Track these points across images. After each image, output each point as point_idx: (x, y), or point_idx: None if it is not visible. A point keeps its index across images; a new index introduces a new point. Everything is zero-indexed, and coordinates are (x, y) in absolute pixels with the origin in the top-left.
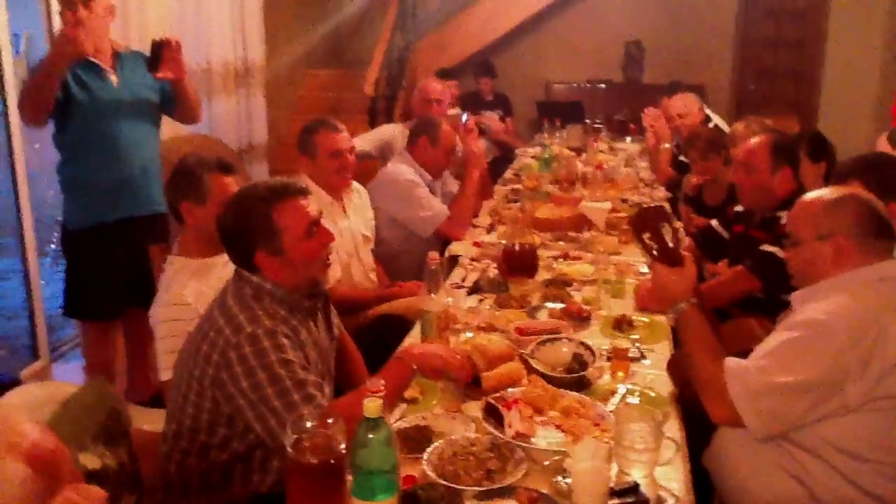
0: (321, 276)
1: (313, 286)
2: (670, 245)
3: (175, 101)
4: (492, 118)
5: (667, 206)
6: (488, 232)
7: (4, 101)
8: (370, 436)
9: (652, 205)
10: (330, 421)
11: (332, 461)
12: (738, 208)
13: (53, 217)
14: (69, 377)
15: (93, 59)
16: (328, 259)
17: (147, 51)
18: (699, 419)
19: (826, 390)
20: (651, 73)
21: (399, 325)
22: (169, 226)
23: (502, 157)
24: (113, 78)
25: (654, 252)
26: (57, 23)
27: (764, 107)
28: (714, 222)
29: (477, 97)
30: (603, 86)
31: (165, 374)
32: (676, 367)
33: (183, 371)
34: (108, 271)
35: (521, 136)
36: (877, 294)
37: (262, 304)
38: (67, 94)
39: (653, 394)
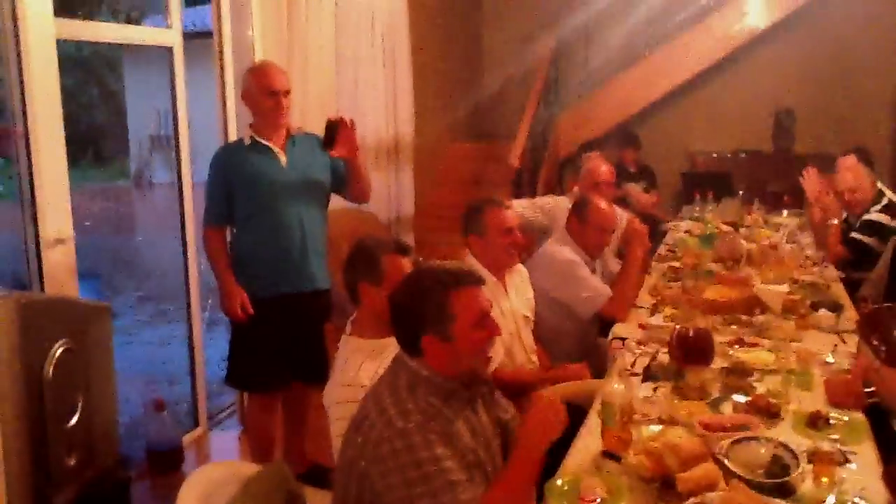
0: (482, 369)
1: (472, 377)
2: None
3: (347, 180)
4: (637, 190)
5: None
6: (652, 313)
7: (180, 175)
8: None
9: (885, 305)
10: None
11: None
12: None
13: (208, 284)
14: (226, 445)
15: (265, 142)
16: (490, 352)
17: (311, 129)
18: None
19: None
20: (802, 142)
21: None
22: (332, 303)
23: (650, 232)
24: (283, 159)
25: (883, 355)
26: (232, 102)
27: None
28: None
29: (620, 169)
30: (744, 155)
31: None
32: (894, 477)
33: (344, 461)
34: (270, 344)
35: (666, 208)
36: None
37: (415, 395)
38: (237, 174)
39: None
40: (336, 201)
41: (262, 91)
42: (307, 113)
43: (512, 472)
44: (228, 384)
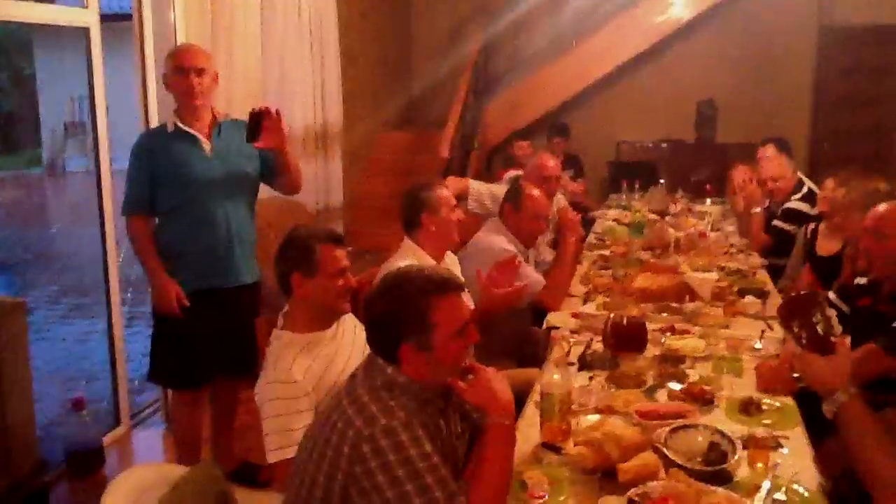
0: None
1: (445, 387)
2: (821, 333)
3: (276, 171)
4: (564, 179)
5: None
6: (585, 302)
7: (98, 164)
8: None
9: (803, 293)
10: None
11: None
12: (861, 280)
13: (128, 277)
14: (149, 444)
15: (188, 129)
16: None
17: (237, 117)
18: None
19: None
20: (724, 132)
21: None
22: (260, 296)
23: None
24: (206, 147)
25: (803, 341)
26: (153, 87)
27: (840, 166)
28: (831, 294)
29: None
30: (667, 145)
31: (273, 456)
32: (828, 459)
33: (308, 461)
34: (194, 339)
35: (593, 197)
36: None
37: (392, 395)
38: (159, 163)
39: (802, 490)
40: (262, 189)
41: (173, 70)
42: (233, 100)
43: (490, 451)
44: (151, 380)
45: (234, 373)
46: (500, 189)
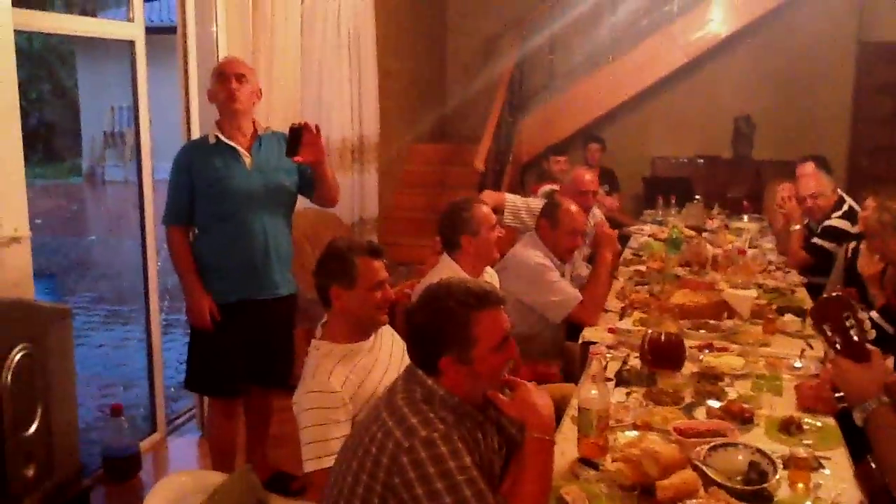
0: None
1: (484, 400)
2: (855, 339)
3: (314, 185)
4: (600, 194)
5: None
6: (621, 317)
7: (140, 174)
8: None
9: (834, 294)
10: None
11: None
12: None
13: (165, 286)
14: (184, 451)
15: (228, 142)
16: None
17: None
18: None
19: None
20: (760, 148)
21: None
22: (296, 307)
23: None
24: (247, 160)
25: (837, 346)
26: (195, 100)
27: (878, 183)
28: (874, 314)
29: None
30: (703, 161)
31: (310, 465)
32: (866, 476)
33: (346, 472)
34: (230, 348)
35: (628, 212)
36: None
37: (432, 407)
38: (200, 175)
39: None
40: (298, 201)
41: (216, 78)
42: (272, 114)
43: (529, 465)
44: (187, 388)
45: (268, 383)
46: (536, 203)
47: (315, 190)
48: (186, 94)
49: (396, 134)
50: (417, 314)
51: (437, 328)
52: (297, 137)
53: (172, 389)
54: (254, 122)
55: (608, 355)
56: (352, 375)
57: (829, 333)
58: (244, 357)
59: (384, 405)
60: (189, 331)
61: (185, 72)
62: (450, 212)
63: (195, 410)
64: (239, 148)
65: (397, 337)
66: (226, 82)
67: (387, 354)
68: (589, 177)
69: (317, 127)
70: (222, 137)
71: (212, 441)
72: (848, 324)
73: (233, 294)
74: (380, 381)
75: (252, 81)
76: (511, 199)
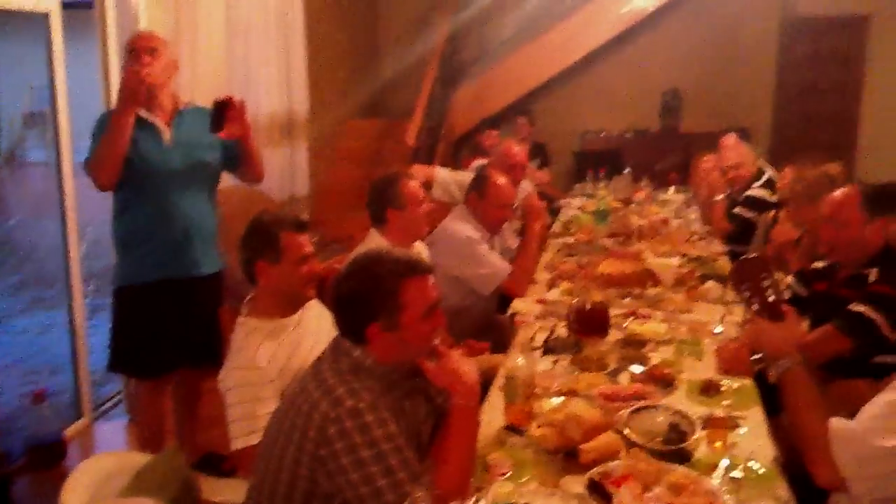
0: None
1: (411, 369)
2: (771, 299)
3: (238, 161)
4: (530, 168)
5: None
6: (549, 288)
7: (59, 153)
8: None
9: (752, 255)
10: None
11: None
12: (819, 265)
13: (90, 268)
14: (112, 436)
15: (146, 116)
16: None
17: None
18: (807, 487)
19: None
20: (688, 121)
21: None
22: (223, 285)
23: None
24: (166, 136)
25: (754, 306)
26: (116, 76)
27: (802, 154)
28: (790, 278)
29: None
30: (632, 134)
31: (238, 443)
32: (779, 431)
33: (273, 446)
34: (155, 329)
35: (558, 186)
36: None
37: (358, 377)
38: None
39: (758, 466)
40: (226, 178)
41: (126, 54)
42: (196, 89)
43: (454, 432)
44: (111, 370)
45: (196, 363)
46: (466, 177)
47: (239, 166)
48: (106, 70)
49: (328, 109)
50: (345, 282)
51: (364, 295)
52: (222, 112)
53: (99, 374)
54: (174, 98)
55: (536, 325)
56: (279, 351)
57: (747, 293)
58: (170, 337)
59: (310, 377)
60: (112, 310)
61: (105, 47)
62: (377, 186)
63: (122, 394)
64: (157, 123)
65: (326, 311)
66: (135, 55)
67: (314, 329)
68: (517, 150)
69: (242, 101)
70: (140, 112)
71: (139, 424)
72: (764, 284)
73: (155, 273)
74: (307, 357)
75: (166, 54)
76: (441, 174)
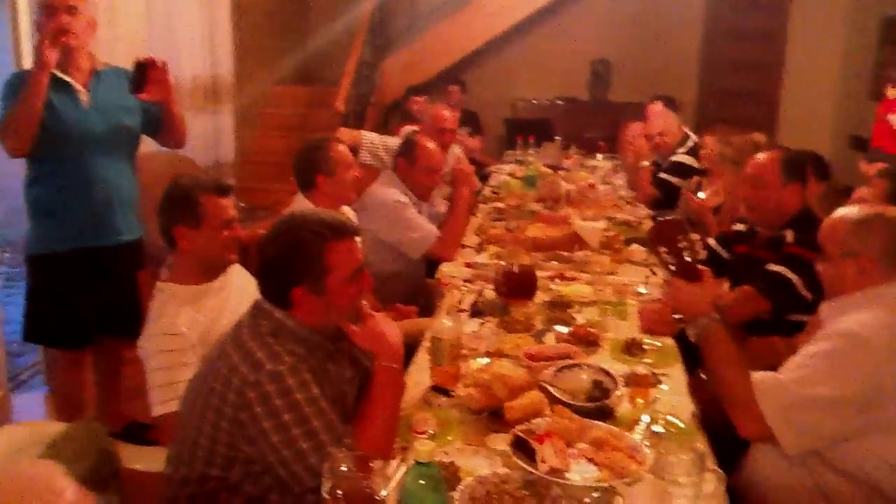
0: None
1: (336, 332)
2: (687, 259)
3: (160, 125)
4: (462, 135)
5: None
6: (478, 252)
7: None
8: (422, 482)
9: (670, 217)
10: (373, 465)
11: None
12: (739, 227)
13: (5, 237)
14: (30, 408)
15: (63, 76)
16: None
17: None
18: (724, 441)
19: (862, 405)
20: (616, 91)
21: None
22: (143, 253)
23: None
24: (83, 98)
25: (672, 267)
26: (25, 34)
27: (724, 125)
28: (711, 241)
29: None
30: (562, 102)
31: (157, 410)
32: (698, 387)
33: (192, 411)
34: (72, 298)
35: (490, 153)
36: None
37: (279, 340)
38: None
39: (677, 421)
40: (148, 144)
41: (42, 11)
42: (115, 51)
43: (378, 393)
44: (27, 340)
45: (116, 333)
46: (394, 141)
47: (161, 130)
48: (16, 30)
49: (255, 75)
50: (270, 245)
51: (290, 258)
52: (143, 73)
53: (16, 345)
54: (91, 58)
55: (464, 288)
56: (200, 317)
57: (665, 255)
58: (88, 306)
59: (229, 341)
60: (28, 278)
61: (14, 5)
62: (304, 150)
63: (41, 366)
64: (74, 84)
65: (249, 276)
66: (55, 15)
67: (237, 295)
68: (447, 114)
69: (164, 62)
70: (56, 72)
71: (58, 395)
72: (681, 245)
73: (73, 241)
74: (230, 323)
75: (85, 12)
76: (368, 137)
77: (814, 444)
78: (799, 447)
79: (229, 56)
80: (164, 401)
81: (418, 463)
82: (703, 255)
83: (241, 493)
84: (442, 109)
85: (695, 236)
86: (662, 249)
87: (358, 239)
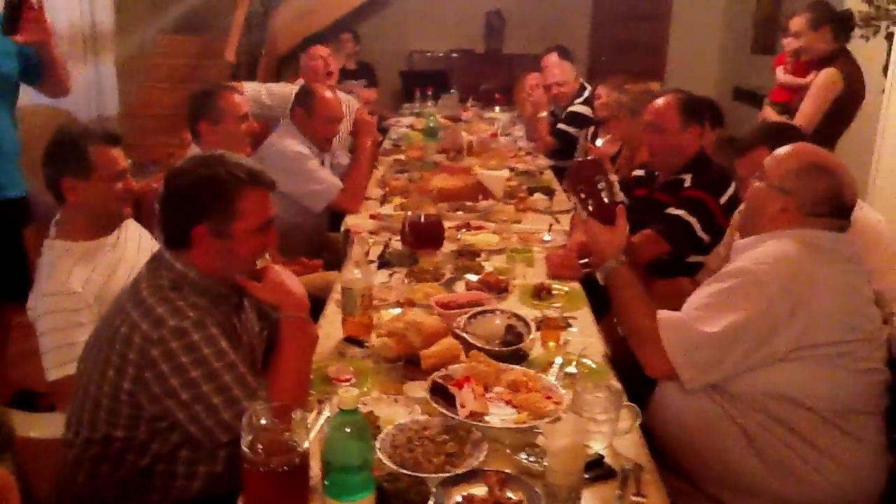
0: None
1: (233, 284)
2: (605, 201)
3: (39, 70)
4: (358, 87)
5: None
6: (382, 204)
7: None
8: (347, 430)
9: (590, 158)
10: (294, 416)
11: (297, 460)
12: (638, 172)
13: None
14: None
15: None
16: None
17: None
18: (633, 380)
19: (757, 338)
20: (511, 43)
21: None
22: (27, 214)
23: None
24: None
25: (590, 208)
26: None
27: (616, 76)
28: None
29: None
30: (457, 55)
31: (53, 374)
32: (609, 329)
33: (91, 372)
34: None
35: (386, 106)
36: (809, 251)
37: (181, 294)
38: None
39: (590, 362)
40: (26, 97)
41: None
42: None
43: (287, 345)
44: None
45: (1, 296)
46: (278, 87)
47: (41, 76)
48: None
49: (138, 23)
50: (180, 177)
51: (199, 192)
52: (17, 13)
53: None
54: None
55: (370, 240)
56: (94, 274)
57: (583, 196)
58: None
59: (128, 298)
60: None
61: None
62: (191, 97)
63: None
64: None
65: (145, 232)
66: None
67: (134, 250)
68: (321, 48)
69: (40, 1)
70: None
71: None
72: (599, 186)
73: None
74: (126, 280)
75: None
76: (249, 86)
77: (712, 378)
78: (698, 383)
79: (108, 3)
80: (59, 364)
81: (342, 410)
82: (621, 196)
83: (148, 451)
84: (318, 48)
85: (613, 177)
86: (580, 190)
87: (271, 193)
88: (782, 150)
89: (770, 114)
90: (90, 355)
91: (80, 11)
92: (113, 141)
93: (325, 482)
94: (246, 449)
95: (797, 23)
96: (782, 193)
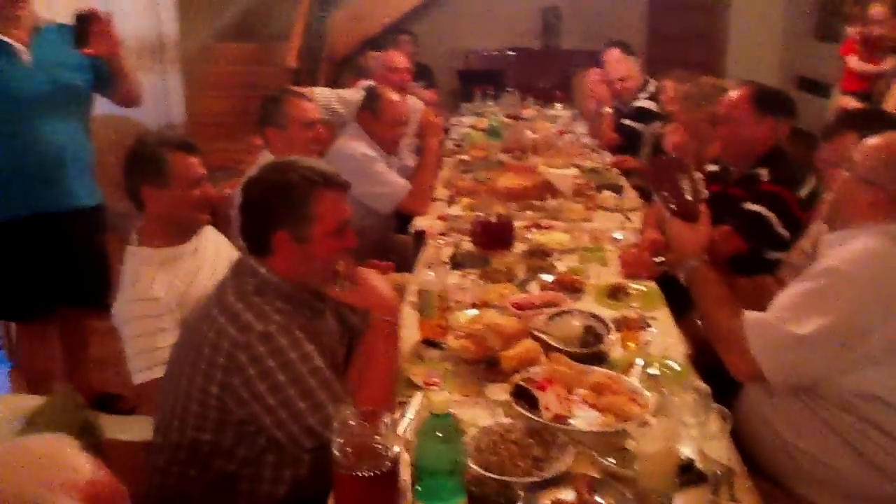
0: (326, 286)
1: (315, 290)
2: (689, 199)
3: (110, 81)
4: (418, 88)
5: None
6: (449, 205)
7: None
8: (438, 434)
9: (669, 156)
10: (385, 421)
11: (388, 465)
12: (712, 167)
13: None
14: None
15: (2, 38)
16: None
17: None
18: (717, 382)
19: (848, 340)
20: (567, 39)
21: None
22: (104, 222)
23: None
24: (25, 58)
25: (672, 206)
26: None
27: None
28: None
29: None
30: (511, 53)
31: (139, 377)
32: (691, 329)
33: (179, 377)
34: (29, 268)
35: (444, 106)
36: None
37: (266, 299)
38: None
39: (672, 363)
40: (97, 108)
41: None
42: (53, 6)
43: (377, 349)
44: None
45: (79, 302)
46: (348, 92)
47: (112, 87)
48: None
49: (197, 32)
50: (256, 185)
51: (276, 199)
52: (85, 27)
53: None
54: (33, 15)
55: (441, 241)
56: (176, 281)
57: (665, 194)
58: (47, 276)
59: (214, 303)
60: None
61: None
62: (261, 104)
63: (3, 340)
64: (14, 43)
65: (222, 237)
66: None
67: (212, 257)
68: (399, 56)
69: (108, 14)
70: None
71: (24, 370)
72: (682, 185)
73: (26, 208)
74: (207, 284)
75: None
76: (319, 93)
77: (801, 381)
78: (785, 385)
79: (173, 13)
80: (144, 368)
81: (433, 415)
82: (705, 193)
83: (235, 456)
84: (391, 52)
85: (697, 175)
86: (663, 189)
87: (347, 194)
88: (872, 140)
89: (849, 102)
90: (177, 361)
91: (147, 22)
92: (189, 149)
93: (417, 487)
94: (337, 453)
95: (878, 10)
96: (871, 186)
